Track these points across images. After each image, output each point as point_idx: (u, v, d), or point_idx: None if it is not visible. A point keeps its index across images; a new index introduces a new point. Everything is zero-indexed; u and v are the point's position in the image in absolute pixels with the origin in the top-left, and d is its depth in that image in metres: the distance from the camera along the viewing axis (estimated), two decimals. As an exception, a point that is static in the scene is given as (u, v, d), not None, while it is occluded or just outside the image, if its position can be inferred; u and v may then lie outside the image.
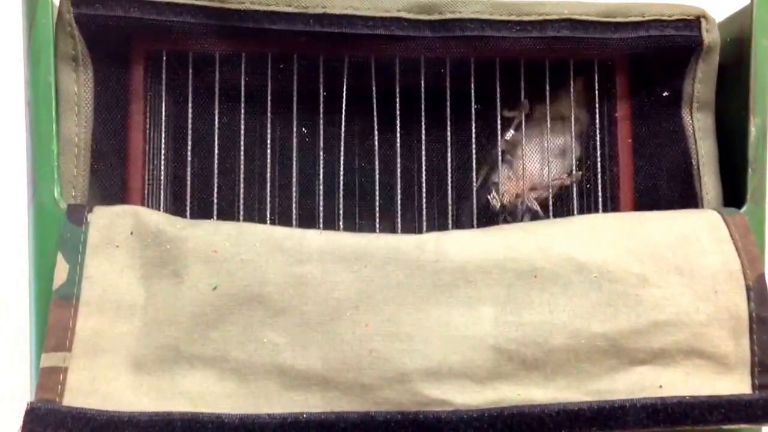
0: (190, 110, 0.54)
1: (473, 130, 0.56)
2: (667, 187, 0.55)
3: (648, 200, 0.56)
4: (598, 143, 0.57)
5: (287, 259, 0.47)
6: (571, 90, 0.57)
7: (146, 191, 0.54)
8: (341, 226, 0.54)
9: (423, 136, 0.55)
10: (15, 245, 0.76)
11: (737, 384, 0.47)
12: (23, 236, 0.49)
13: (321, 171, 0.55)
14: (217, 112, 0.55)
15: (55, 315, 0.45)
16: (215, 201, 0.54)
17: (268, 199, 0.55)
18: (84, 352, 0.45)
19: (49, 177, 0.49)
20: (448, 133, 0.55)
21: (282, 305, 0.46)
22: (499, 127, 0.56)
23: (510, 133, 0.58)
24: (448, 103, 0.55)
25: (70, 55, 0.50)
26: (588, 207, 0.58)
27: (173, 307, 0.46)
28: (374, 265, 0.47)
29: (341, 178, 0.55)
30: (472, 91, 0.55)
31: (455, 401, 0.45)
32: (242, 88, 0.54)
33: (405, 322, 0.46)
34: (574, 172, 0.58)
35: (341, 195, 0.55)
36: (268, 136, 0.55)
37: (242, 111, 0.54)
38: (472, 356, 0.46)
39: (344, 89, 0.54)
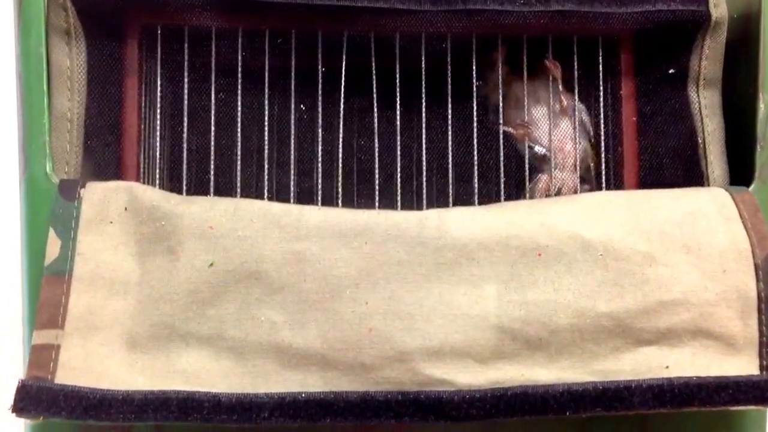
0: (186, 86, 0.54)
1: (474, 108, 0.55)
2: (672, 166, 0.54)
3: (653, 179, 0.55)
4: (602, 121, 0.56)
5: (285, 236, 0.46)
6: (573, 71, 0.56)
7: (142, 168, 0.54)
8: (340, 206, 0.53)
9: (423, 114, 0.55)
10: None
11: (745, 365, 0.46)
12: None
13: (320, 149, 0.54)
14: (213, 88, 0.54)
15: (47, 291, 0.45)
16: (212, 179, 0.54)
17: (266, 177, 0.54)
18: (77, 329, 0.44)
19: (41, 151, 0.48)
20: (449, 111, 0.55)
21: (280, 282, 0.45)
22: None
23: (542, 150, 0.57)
24: (449, 80, 0.54)
25: (62, 28, 0.49)
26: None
27: (168, 284, 0.45)
28: (374, 242, 0.46)
29: (340, 156, 0.54)
30: (474, 68, 0.54)
31: (457, 381, 0.45)
32: (239, 65, 0.53)
33: (406, 300, 0.45)
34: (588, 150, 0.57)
35: (340, 174, 0.54)
36: (266, 113, 0.54)
37: (239, 88, 0.53)
38: (475, 335, 0.45)
39: (343, 66, 0.53)
